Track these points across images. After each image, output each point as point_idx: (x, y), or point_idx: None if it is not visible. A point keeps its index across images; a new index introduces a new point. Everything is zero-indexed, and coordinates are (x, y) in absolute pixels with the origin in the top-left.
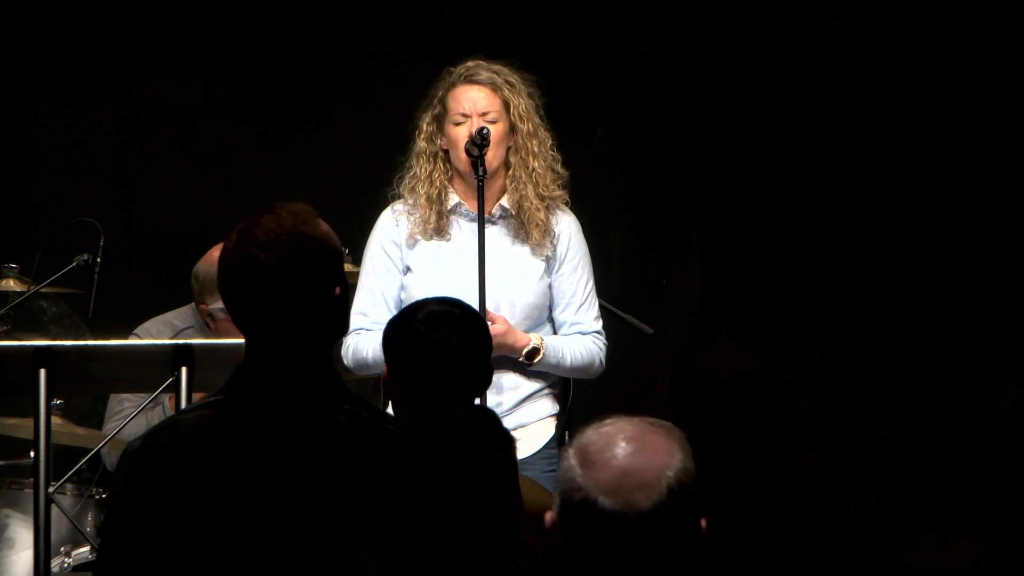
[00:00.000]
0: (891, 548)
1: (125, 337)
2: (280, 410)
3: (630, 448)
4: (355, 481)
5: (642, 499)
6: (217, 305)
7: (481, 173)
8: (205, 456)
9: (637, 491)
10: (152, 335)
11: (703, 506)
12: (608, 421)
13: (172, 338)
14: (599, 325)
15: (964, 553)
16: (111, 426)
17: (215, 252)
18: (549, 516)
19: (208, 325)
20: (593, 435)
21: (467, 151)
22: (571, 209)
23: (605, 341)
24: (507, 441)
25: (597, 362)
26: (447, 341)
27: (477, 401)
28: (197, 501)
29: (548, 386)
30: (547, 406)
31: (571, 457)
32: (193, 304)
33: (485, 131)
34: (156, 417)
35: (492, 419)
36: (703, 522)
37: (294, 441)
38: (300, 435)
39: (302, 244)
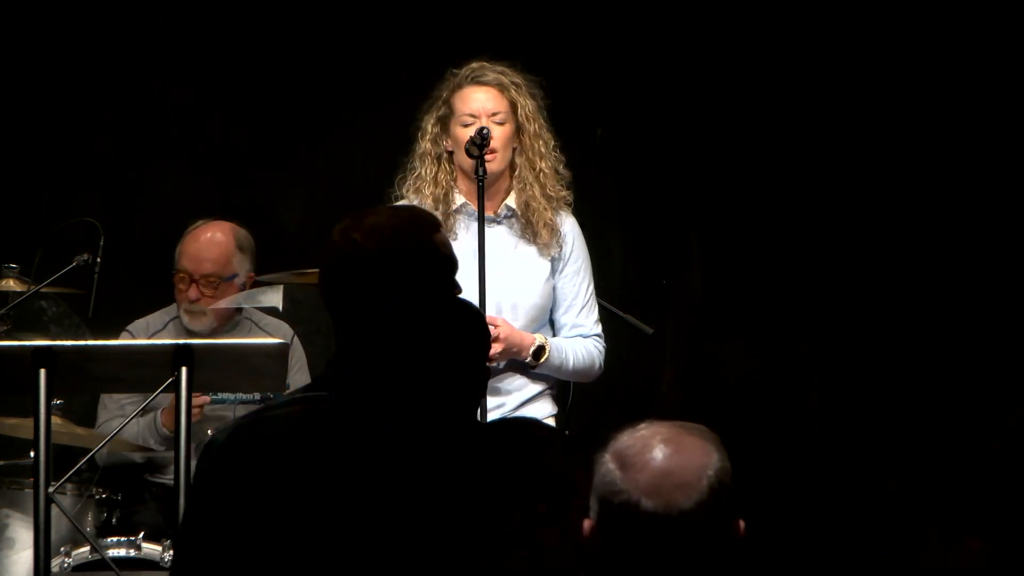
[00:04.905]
0: (898, 547)
1: (119, 335)
2: (376, 411)
3: (668, 449)
4: (454, 482)
5: (683, 499)
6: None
7: (481, 173)
8: (294, 454)
9: (678, 491)
10: (141, 329)
11: (741, 507)
12: (642, 425)
13: (160, 330)
14: (599, 328)
15: (972, 552)
16: (105, 423)
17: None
18: (587, 523)
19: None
20: (629, 439)
21: (467, 151)
22: (572, 210)
23: (604, 344)
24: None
25: (597, 365)
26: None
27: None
28: (282, 500)
29: (548, 388)
30: (547, 407)
31: (608, 462)
32: None
33: (485, 131)
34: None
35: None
36: (741, 523)
37: (390, 443)
38: (397, 437)
39: (405, 240)
